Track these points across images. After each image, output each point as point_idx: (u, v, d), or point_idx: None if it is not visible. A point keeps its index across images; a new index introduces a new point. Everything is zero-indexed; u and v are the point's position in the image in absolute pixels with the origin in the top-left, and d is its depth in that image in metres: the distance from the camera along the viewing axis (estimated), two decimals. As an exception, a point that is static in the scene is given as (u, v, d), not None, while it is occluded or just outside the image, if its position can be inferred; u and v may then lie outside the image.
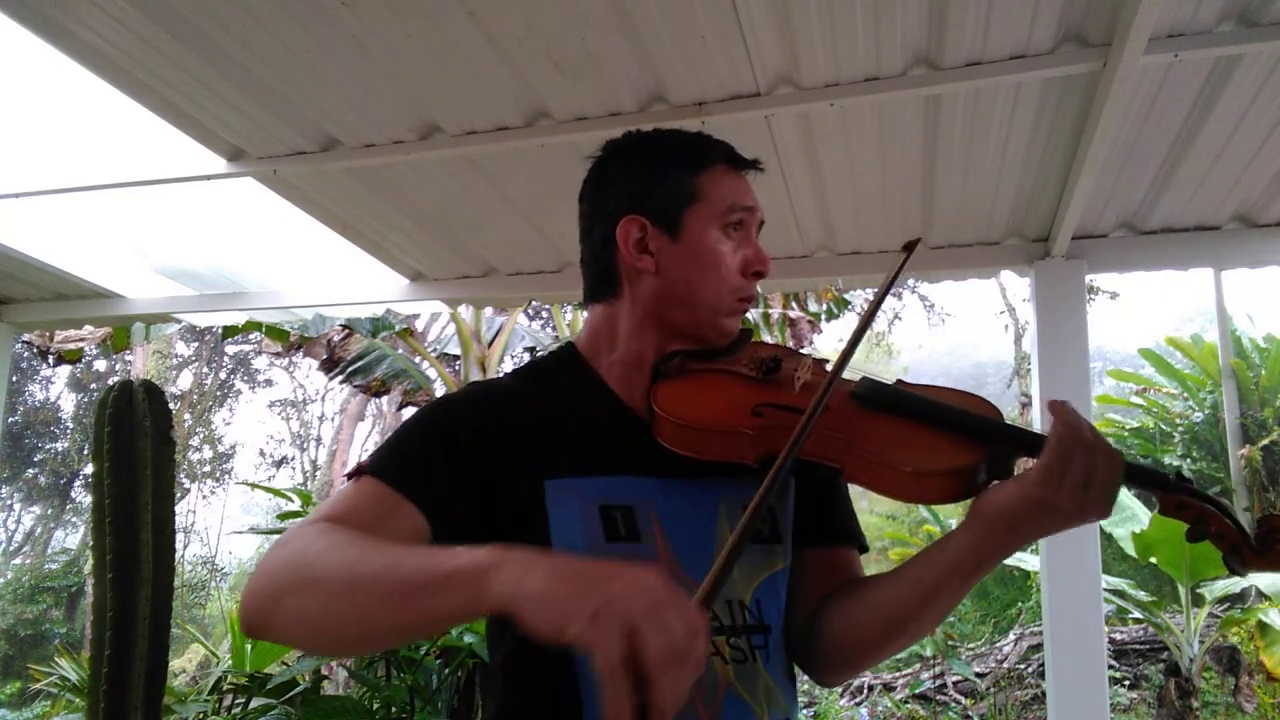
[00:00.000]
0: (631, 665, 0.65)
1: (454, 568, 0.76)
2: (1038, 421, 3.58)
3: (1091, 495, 0.89)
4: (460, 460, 1.00)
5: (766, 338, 5.76)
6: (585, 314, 1.19)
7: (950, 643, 7.67)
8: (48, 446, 17.31)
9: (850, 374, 1.04)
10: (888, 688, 7.80)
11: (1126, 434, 9.90)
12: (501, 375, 1.17)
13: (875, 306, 1.12)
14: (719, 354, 1.11)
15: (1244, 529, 0.91)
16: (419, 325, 6.59)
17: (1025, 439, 0.97)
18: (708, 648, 0.71)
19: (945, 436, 0.97)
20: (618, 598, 0.68)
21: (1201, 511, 0.92)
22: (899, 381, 1.07)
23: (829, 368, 1.10)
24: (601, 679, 0.65)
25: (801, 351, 1.15)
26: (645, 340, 1.10)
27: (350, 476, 1.00)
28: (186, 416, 16.48)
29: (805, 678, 1.14)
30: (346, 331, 5.58)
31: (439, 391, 6.20)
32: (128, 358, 14.84)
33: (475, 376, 5.88)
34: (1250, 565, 0.90)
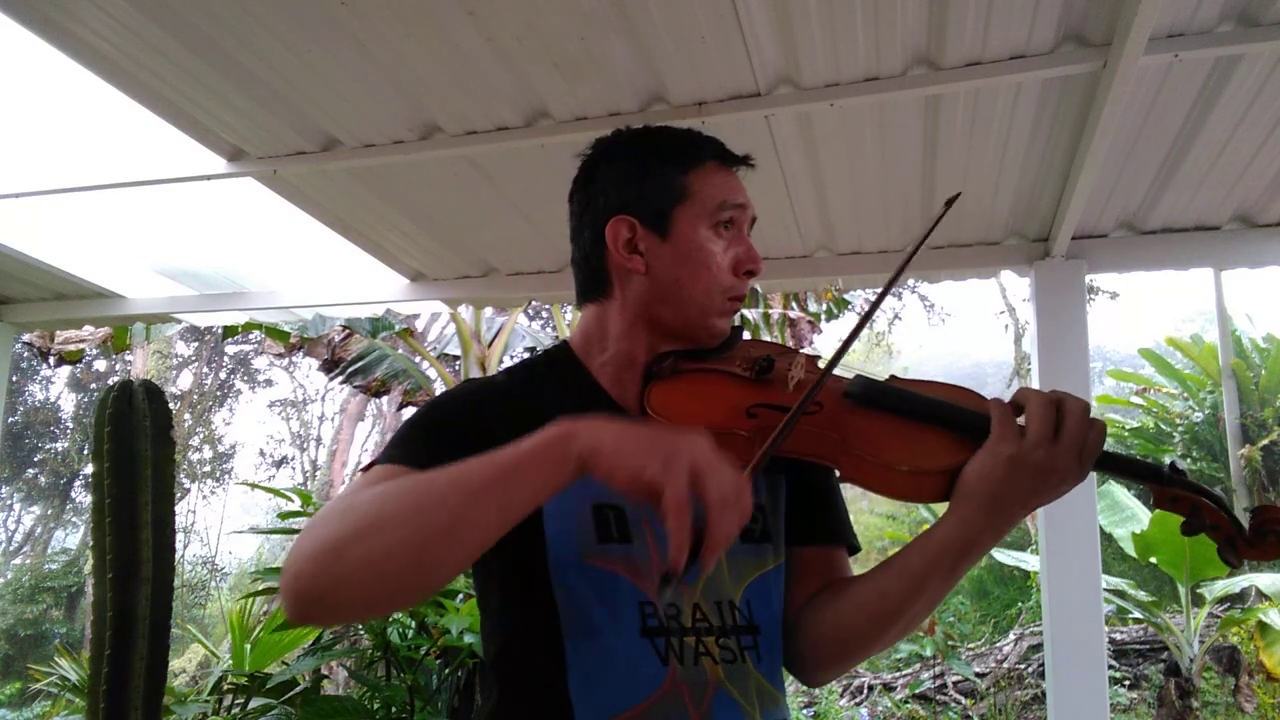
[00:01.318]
0: (693, 504, 0.76)
1: (527, 450, 0.81)
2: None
3: (1064, 449, 0.89)
4: (458, 445, 1.00)
5: (766, 338, 5.75)
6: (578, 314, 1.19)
7: (950, 643, 7.67)
8: (48, 446, 17.31)
9: (845, 372, 1.04)
10: (888, 688, 7.80)
11: (1126, 434, 9.92)
12: (496, 373, 1.17)
13: (900, 269, 1.09)
14: (711, 353, 1.10)
15: (1238, 521, 0.92)
16: (419, 325, 6.59)
17: None
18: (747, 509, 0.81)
19: (941, 433, 0.96)
20: (685, 447, 0.79)
21: (1195, 504, 0.92)
22: (892, 377, 1.06)
23: (823, 364, 1.10)
24: (669, 514, 0.75)
25: (795, 349, 1.15)
26: (636, 341, 1.10)
27: (361, 471, 1.02)
28: (186, 416, 16.48)
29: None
30: (347, 332, 5.58)
31: (439, 392, 6.20)
32: (128, 358, 14.85)
33: (475, 376, 5.87)
34: (1244, 556, 0.91)
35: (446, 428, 1.04)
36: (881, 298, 1.10)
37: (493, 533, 0.82)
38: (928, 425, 0.98)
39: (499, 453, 0.81)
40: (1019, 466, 0.89)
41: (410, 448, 1.00)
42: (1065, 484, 0.91)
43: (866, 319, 1.09)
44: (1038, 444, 0.89)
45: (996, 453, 0.90)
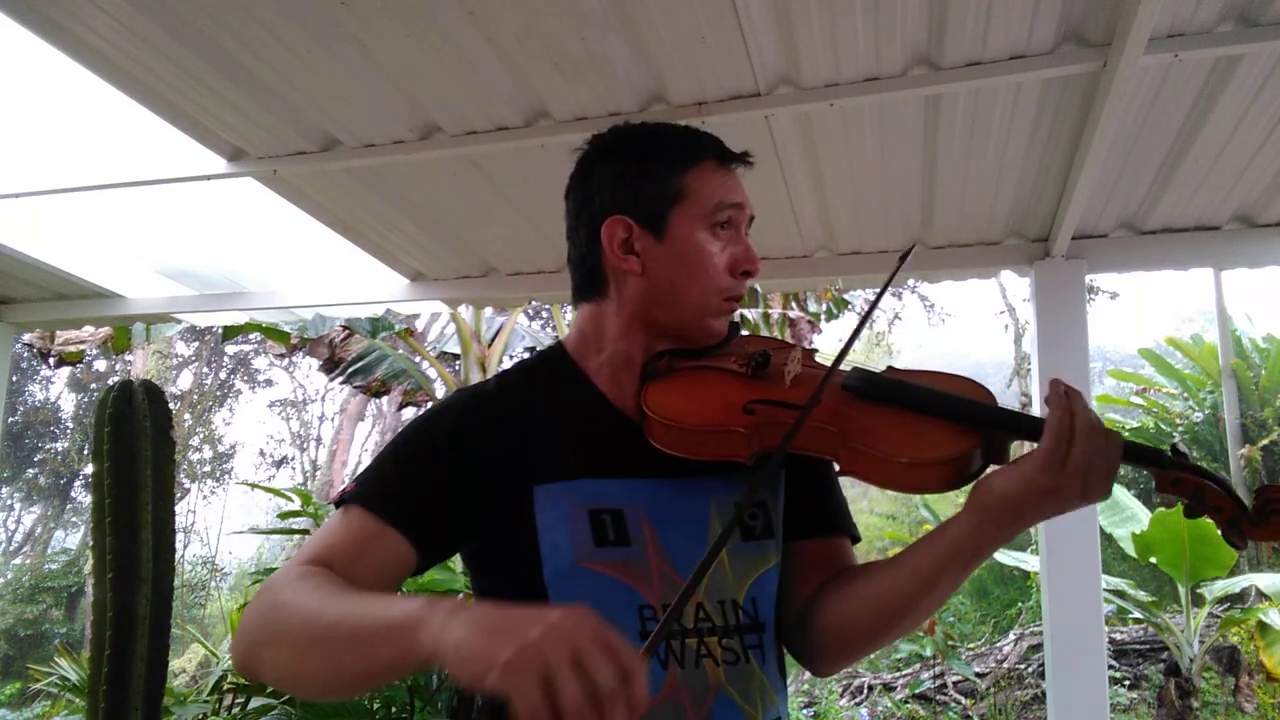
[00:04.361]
0: (553, 713, 0.63)
1: (390, 621, 0.78)
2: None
3: (1095, 476, 0.89)
4: (442, 477, 1.01)
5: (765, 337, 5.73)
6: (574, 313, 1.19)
7: (950, 643, 7.66)
8: (48, 446, 17.29)
9: (845, 365, 1.03)
10: (888, 688, 7.80)
11: (1126, 434, 9.88)
12: (488, 379, 1.16)
13: (872, 307, 1.11)
14: (707, 351, 1.09)
15: (1241, 502, 0.92)
16: (419, 325, 6.59)
17: (1020, 422, 0.97)
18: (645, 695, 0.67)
19: (939, 424, 0.96)
20: (534, 645, 0.66)
21: (1198, 487, 0.92)
22: (889, 367, 1.06)
23: (819, 358, 1.09)
24: None
25: (791, 343, 1.14)
26: (632, 341, 1.09)
27: (336, 504, 1.01)
28: (186, 416, 16.48)
29: (804, 675, 1.13)
30: (347, 332, 5.58)
31: (439, 391, 6.20)
32: (128, 358, 14.84)
33: (475, 376, 5.87)
34: (1249, 536, 0.91)
35: (426, 458, 1.03)
36: (854, 336, 1.09)
37: (365, 683, 0.86)
38: (927, 416, 0.97)
39: (380, 606, 0.81)
40: (1052, 494, 0.89)
41: (383, 490, 1.01)
42: (1089, 502, 0.91)
43: (847, 348, 1.07)
44: (1075, 474, 0.88)
45: (1032, 482, 0.89)
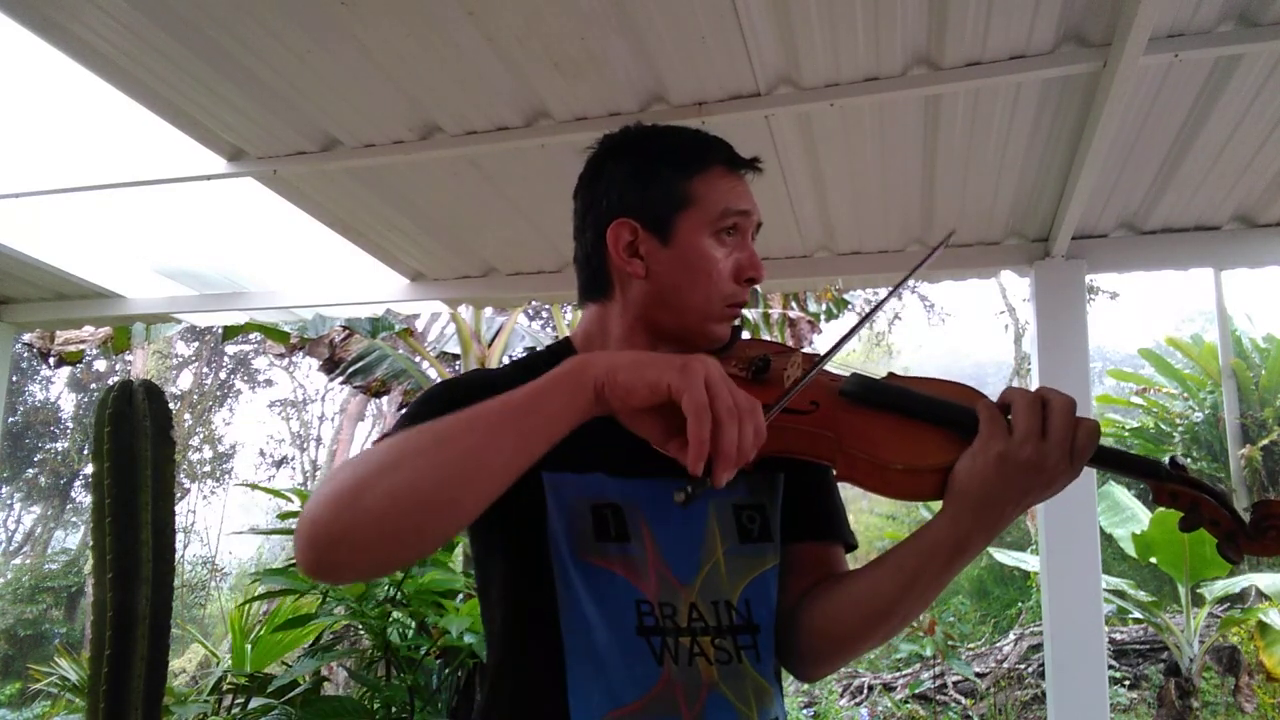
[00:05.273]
0: (710, 407, 0.79)
1: (544, 381, 0.85)
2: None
3: (1053, 445, 0.87)
4: None
5: (766, 338, 5.74)
6: (581, 311, 1.19)
7: (950, 643, 7.67)
8: (48, 446, 17.30)
9: (842, 370, 1.04)
10: (888, 688, 7.80)
11: (1127, 434, 9.91)
12: (504, 365, 1.17)
13: (899, 286, 1.11)
14: (709, 355, 1.10)
15: (1239, 515, 0.91)
16: (419, 325, 6.59)
17: None
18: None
19: (936, 431, 0.96)
20: (701, 360, 0.83)
21: (1195, 500, 0.91)
22: (891, 374, 1.05)
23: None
24: (689, 417, 0.79)
25: (791, 347, 1.15)
26: (636, 343, 1.09)
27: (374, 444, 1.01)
28: (186, 416, 16.48)
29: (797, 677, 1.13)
30: (347, 332, 5.58)
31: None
32: (128, 358, 14.84)
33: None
34: (1245, 551, 0.90)
35: (456, 408, 1.03)
36: (874, 312, 1.10)
37: (513, 464, 0.84)
38: (923, 423, 0.97)
39: (515, 390, 0.85)
40: (1008, 464, 0.88)
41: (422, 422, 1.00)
42: (1057, 482, 0.89)
43: (859, 327, 1.08)
44: (1025, 440, 0.87)
45: (986, 451, 0.89)
